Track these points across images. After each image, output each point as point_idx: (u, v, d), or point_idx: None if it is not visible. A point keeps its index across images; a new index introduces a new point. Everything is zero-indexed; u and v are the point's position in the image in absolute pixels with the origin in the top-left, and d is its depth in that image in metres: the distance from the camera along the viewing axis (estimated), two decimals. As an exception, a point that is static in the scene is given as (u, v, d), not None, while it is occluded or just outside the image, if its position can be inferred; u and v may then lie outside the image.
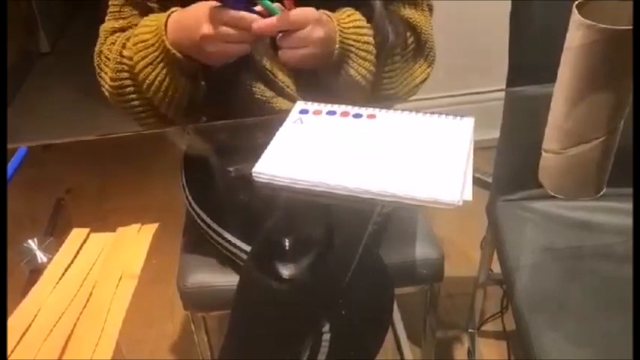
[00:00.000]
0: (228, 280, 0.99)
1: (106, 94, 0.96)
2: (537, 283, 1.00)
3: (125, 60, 0.91)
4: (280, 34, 0.84)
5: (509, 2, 1.11)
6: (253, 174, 0.74)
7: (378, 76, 0.96)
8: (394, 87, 1.01)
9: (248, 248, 0.93)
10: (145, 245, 0.82)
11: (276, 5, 0.84)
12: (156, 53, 0.87)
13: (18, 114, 2.66)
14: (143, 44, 0.88)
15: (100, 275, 0.78)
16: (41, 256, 0.81)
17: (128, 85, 0.92)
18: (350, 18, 0.91)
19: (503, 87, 1.16)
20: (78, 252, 0.82)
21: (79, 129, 2.36)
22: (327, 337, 0.79)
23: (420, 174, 0.71)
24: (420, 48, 1.03)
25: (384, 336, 0.96)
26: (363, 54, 0.91)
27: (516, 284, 0.99)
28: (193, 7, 0.86)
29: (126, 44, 0.92)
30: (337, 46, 0.88)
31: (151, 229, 0.87)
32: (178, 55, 0.86)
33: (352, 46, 0.90)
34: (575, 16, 0.64)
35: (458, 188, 0.69)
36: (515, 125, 1.11)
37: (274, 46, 0.89)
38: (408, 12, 1.01)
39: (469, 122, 0.81)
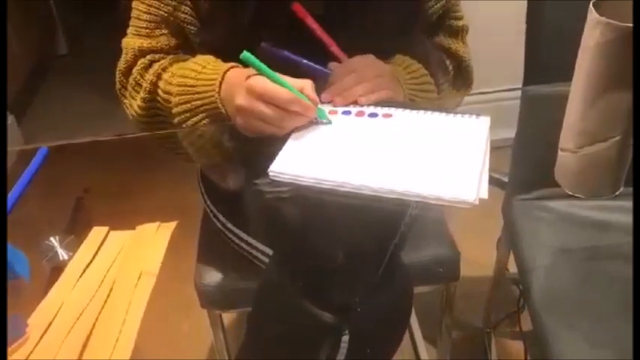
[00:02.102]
0: (245, 279, 1.00)
1: (130, 117, 0.95)
2: (554, 283, 0.99)
3: (160, 93, 0.88)
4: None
5: (525, 1, 1.11)
6: (269, 173, 0.75)
7: None
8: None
9: (264, 249, 0.94)
10: (163, 243, 0.83)
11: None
12: (199, 102, 0.84)
13: (36, 115, 2.70)
14: (187, 89, 0.85)
15: (119, 273, 0.79)
16: (62, 254, 0.82)
17: (156, 116, 0.91)
18: (405, 67, 0.93)
19: (519, 86, 1.16)
20: (98, 250, 0.83)
21: (96, 129, 2.39)
22: (346, 338, 0.80)
23: (437, 173, 0.72)
24: (461, 75, 1.06)
25: (402, 337, 0.96)
26: (426, 95, 0.93)
27: (533, 284, 0.98)
28: (245, 71, 0.82)
29: (162, 75, 0.89)
30: (405, 93, 0.90)
31: (169, 227, 0.88)
32: (224, 113, 0.83)
33: (416, 90, 0.92)
34: (593, 15, 0.63)
35: (474, 187, 0.69)
36: (530, 124, 1.11)
37: None
38: (450, 42, 1.04)
39: (485, 121, 0.81)
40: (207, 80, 0.83)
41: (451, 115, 0.82)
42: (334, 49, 0.89)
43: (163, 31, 0.93)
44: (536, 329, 0.92)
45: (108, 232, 0.86)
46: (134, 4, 0.94)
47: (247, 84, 0.78)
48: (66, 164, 1.08)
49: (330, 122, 0.82)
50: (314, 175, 0.73)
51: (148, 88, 0.89)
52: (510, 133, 1.10)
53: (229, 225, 0.98)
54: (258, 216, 0.96)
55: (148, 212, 1.06)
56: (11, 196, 0.81)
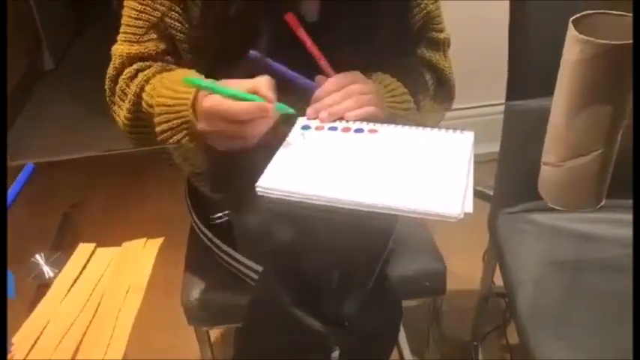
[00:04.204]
0: (233, 295, 1.00)
1: (119, 125, 0.95)
2: (540, 296, 1.00)
3: (144, 105, 0.88)
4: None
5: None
6: (257, 188, 0.75)
7: None
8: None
9: (252, 265, 0.94)
10: (150, 259, 0.83)
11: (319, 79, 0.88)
12: (178, 121, 0.84)
13: (23, 131, 2.68)
14: (166, 108, 0.84)
15: (106, 290, 0.79)
16: (48, 271, 0.82)
17: (141, 126, 0.90)
18: (385, 86, 0.93)
19: (502, 101, 1.17)
20: (85, 266, 0.82)
21: (83, 145, 2.38)
22: (336, 354, 0.81)
23: (422, 187, 0.72)
24: (442, 87, 1.06)
25: (391, 351, 0.97)
26: (404, 113, 0.93)
27: (519, 297, 0.99)
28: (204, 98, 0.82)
29: (145, 87, 0.89)
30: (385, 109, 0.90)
31: (156, 243, 0.88)
32: (200, 133, 0.83)
33: (396, 108, 0.93)
34: (572, 32, 0.65)
35: (459, 201, 0.69)
36: (515, 138, 1.12)
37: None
38: (431, 54, 1.04)
39: (469, 136, 0.82)
40: (183, 100, 0.83)
41: (436, 130, 0.83)
42: (323, 63, 0.89)
43: (152, 37, 0.92)
44: (523, 342, 0.93)
45: (95, 248, 0.85)
46: (124, 11, 0.94)
47: (203, 108, 0.80)
48: (52, 180, 1.08)
49: (294, 111, 0.82)
50: (303, 192, 0.73)
51: (132, 100, 0.90)
52: (495, 147, 1.12)
53: (216, 241, 0.98)
54: (247, 232, 0.95)
55: (136, 228, 1.06)
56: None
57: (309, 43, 0.88)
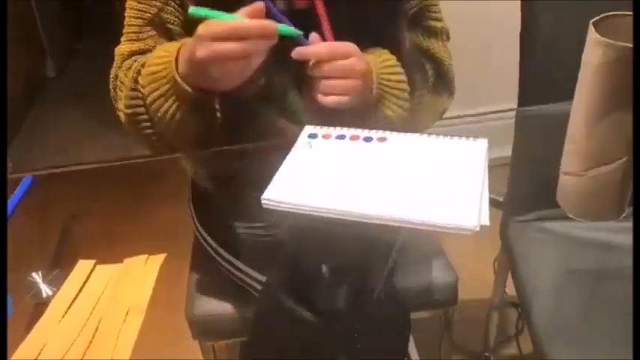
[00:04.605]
0: (238, 308, 0.98)
1: (121, 119, 0.92)
2: (557, 306, 0.97)
3: (139, 88, 0.86)
4: (313, 66, 0.81)
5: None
6: (263, 201, 0.72)
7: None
8: (418, 121, 0.98)
9: (257, 276, 0.92)
10: (152, 277, 0.81)
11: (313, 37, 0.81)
12: (167, 86, 0.82)
13: (25, 139, 2.66)
14: (153, 76, 0.83)
15: (106, 310, 0.76)
16: (46, 290, 0.79)
17: (142, 114, 0.87)
18: (381, 58, 0.89)
19: (514, 105, 1.14)
20: (84, 284, 0.80)
21: (85, 154, 2.35)
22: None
23: (436, 199, 0.69)
24: (441, 79, 1.01)
25: (401, 364, 0.94)
26: (397, 93, 0.89)
27: (534, 307, 0.96)
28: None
29: (141, 71, 0.87)
30: (374, 85, 0.85)
31: (158, 259, 0.85)
32: (188, 89, 0.80)
33: (387, 85, 0.87)
34: (593, 35, 0.62)
35: (475, 213, 0.66)
36: (527, 144, 1.10)
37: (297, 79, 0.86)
38: (429, 43, 1.00)
39: (483, 143, 0.79)
40: (165, 62, 0.81)
41: (447, 138, 0.80)
42: (326, 25, 0.84)
43: (150, 33, 0.91)
44: (538, 352, 0.90)
45: (94, 265, 0.82)
46: (126, 13, 0.93)
47: (196, 35, 0.74)
48: (52, 192, 1.05)
49: (299, 33, 0.78)
50: (312, 204, 0.70)
51: (129, 86, 0.87)
52: (504, 151, 1.08)
53: (221, 251, 0.96)
54: (252, 244, 0.94)
55: (138, 240, 1.03)
56: (-6, 228, 0.78)
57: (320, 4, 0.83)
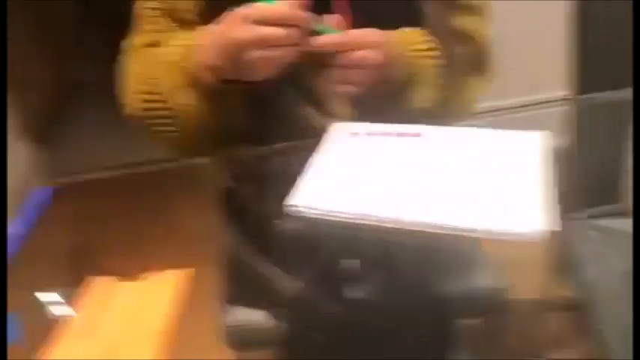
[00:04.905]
0: (273, 316, 0.94)
1: (132, 116, 0.85)
2: (622, 310, 0.89)
3: (152, 80, 0.80)
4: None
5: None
6: (289, 208, 0.66)
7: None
8: (453, 107, 0.90)
9: (295, 283, 0.87)
10: (177, 294, 0.75)
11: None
12: (187, 77, 0.76)
13: (57, 143, 2.65)
14: (171, 66, 0.77)
15: (126, 332, 0.71)
16: (64, 309, 0.74)
17: (159, 109, 0.81)
18: (411, 40, 0.81)
19: (566, 92, 1.05)
20: (103, 304, 0.75)
21: (113, 161, 2.32)
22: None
23: (490, 202, 0.61)
24: (479, 60, 0.92)
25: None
26: (430, 79, 0.81)
27: (598, 310, 0.89)
28: (224, 17, 0.72)
29: (156, 61, 0.81)
30: (401, 71, 0.78)
31: (183, 275, 0.80)
32: (211, 79, 0.75)
33: (416, 73, 0.80)
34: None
35: (539, 216, 0.58)
36: (583, 136, 1.01)
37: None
38: (466, 20, 0.90)
39: (538, 136, 0.70)
40: (186, 51, 0.76)
41: (493, 131, 0.72)
42: (343, 3, 0.76)
43: (164, 23, 0.85)
44: (602, 356, 0.85)
45: (115, 282, 0.78)
46: (135, 2, 0.87)
47: (238, 15, 0.69)
48: (74, 202, 1.02)
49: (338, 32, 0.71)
50: (346, 210, 0.63)
51: (145, 79, 0.81)
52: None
53: (255, 258, 0.92)
54: (286, 252, 0.88)
55: (162, 256, 0.99)
56: (11, 241, 0.75)
57: None
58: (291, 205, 0.65)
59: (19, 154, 1.89)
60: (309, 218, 0.65)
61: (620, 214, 0.75)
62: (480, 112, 0.97)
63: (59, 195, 0.85)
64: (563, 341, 1.36)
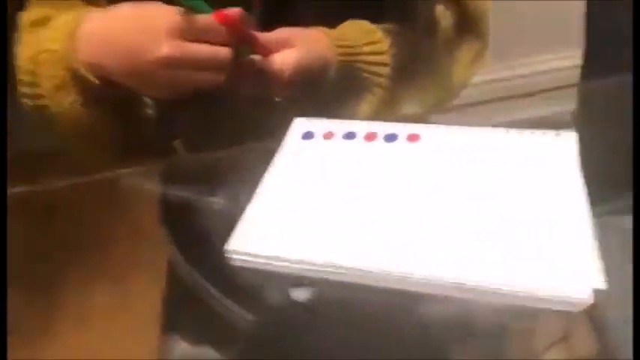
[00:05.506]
0: (221, 349, 0.80)
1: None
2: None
3: (32, 72, 0.63)
4: None
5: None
6: (228, 254, 0.47)
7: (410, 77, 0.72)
8: (444, 80, 0.77)
9: (243, 312, 0.72)
10: None
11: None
12: (67, 73, 0.60)
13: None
14: (50, 55, 0.59)
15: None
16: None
17: (42, 108, 0.64)
18: (352, 35, 0.68)
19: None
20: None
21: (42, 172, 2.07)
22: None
23: (515, 248, 0.42)
24: (468, 24, 0.78)
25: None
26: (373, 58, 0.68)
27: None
28: (142, 7, 0.58)
29: (40, 47, 0.63)
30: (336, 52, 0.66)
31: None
32: (94, 80, 0.59)
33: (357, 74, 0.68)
34: None
35: (586, 273, 0.40)
36: (591, 121, 0.86)
37: None
38: None
39: (570, 140, 0.52)
40: (67, 37, 0.59)
41: (513, 132, 0.52)
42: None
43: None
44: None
45: None
46: None
47: (171, 24, 0.55)
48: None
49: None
50: (292, 257, 0.45)
51: (23, 66, 0.64)
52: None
53: (201, 281, 0.76)
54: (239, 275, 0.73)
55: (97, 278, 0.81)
56: None
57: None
58: (230, 251, 0.46)
59: None
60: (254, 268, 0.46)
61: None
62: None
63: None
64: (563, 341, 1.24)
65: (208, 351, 0.82)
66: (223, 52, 0.57)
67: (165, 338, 0.83)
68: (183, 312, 0.83)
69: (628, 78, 0.63)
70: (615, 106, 0.71)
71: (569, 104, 0.86)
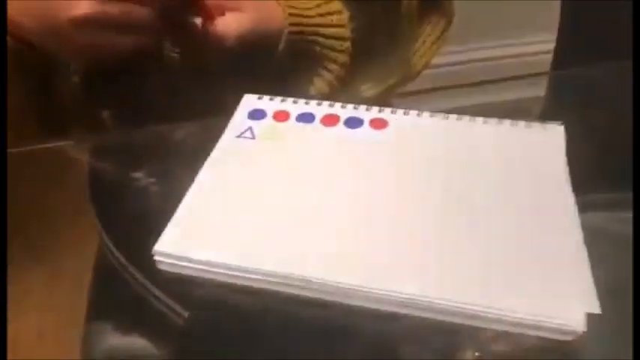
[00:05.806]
0: (155, 343, 0.70)
1: None
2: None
3: None
4: None
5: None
6: (155, 256, 0.40)
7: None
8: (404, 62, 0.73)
9: (181, 311, 0.62)
10: None
11: None
12: None
13: None
14: None
15: None
16: None
17: None
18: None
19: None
20: None
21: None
22: None
23: (503, 267, 0.36)
24: (433, 1, 0.76)
25: None
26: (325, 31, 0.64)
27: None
28: None
29: None
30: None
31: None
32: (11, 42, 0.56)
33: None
34: None
35: (580, 298, 0.35)
36: (562, 111, 0.84)
37: None
38: None
39: (559, 133, 0.46)
40: None
41: (493, 122, 0.46)
42: None
43: None
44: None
45: None
46: None
47: None
48: None
49: None
50: (227, 261, 0.39)
51: None
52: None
53: (131, 269, 0.67)
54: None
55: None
56: None
57: None
58: (157, 252, 0.39)
59: None
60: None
61: (602, 207, 0.59)
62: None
63: None
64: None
65: (138, 341, 0.73)
66: (137, 11, 0.53)
67: (91, 326, 0.74)
68: (110, 299, 0.75)
69: (600, 66, 0.63)
70: (587, 94, 0.69)
71: (537, 90, 0.84)
